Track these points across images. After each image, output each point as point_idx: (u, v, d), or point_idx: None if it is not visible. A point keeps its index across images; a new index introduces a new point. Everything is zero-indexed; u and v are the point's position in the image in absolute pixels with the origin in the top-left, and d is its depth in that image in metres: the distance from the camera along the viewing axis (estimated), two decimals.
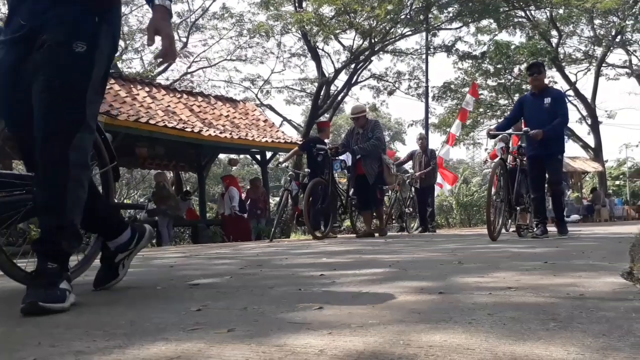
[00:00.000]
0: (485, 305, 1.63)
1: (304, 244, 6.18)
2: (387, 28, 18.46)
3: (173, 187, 13.16)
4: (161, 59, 2.02)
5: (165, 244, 10.44)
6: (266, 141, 12.65)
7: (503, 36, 21.92)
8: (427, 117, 18.70)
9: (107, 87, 10.46)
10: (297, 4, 19.25)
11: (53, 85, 1.82)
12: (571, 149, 27.65)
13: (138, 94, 11.43)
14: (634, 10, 21.36)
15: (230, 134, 12.01)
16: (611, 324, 1.33)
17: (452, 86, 22.37)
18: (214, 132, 11.58)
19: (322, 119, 18.18)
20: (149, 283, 2.52)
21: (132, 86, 11.68)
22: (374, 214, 8.09)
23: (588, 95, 24.14)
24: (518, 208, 6.16)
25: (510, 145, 6.35)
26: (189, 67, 23.65)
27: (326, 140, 8.85)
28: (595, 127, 24.24)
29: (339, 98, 21.17)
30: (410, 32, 19.68)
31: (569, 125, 18.71)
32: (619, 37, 23.14)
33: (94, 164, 2.32)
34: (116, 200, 9.75)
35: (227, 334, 1.32)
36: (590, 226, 12.60)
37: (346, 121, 30.84)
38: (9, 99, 1.94)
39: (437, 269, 2.75)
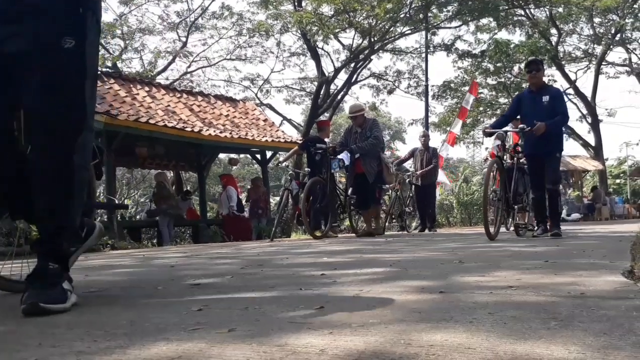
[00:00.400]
0: (486, 304, 1.63)
1: (305, 244, 6.18)
2: (387, 27, 18.43)
3: (173, 187, 13.14)
4: None
5: (166, 243, 10.44)
6: (266, 140, 12.64)
7: (503, 35, 21.89)
8: (427, 116, 18.68)
9: (107, 87, 10.58)
10: (296, 3, 19.23)
11: (48, 88, 1.76)
12: (571, 147, 27.74)
13: (138, 94, 11.41)
14: (633, 8, 21.37)
15: (230, 133, 12.00)
16: (612, 323, 1.33)
17: (452, 85, 22.35)
18: (214, 131, 11.57)
19: (322, 118, 18.14)
20: (150, 283, 2.52)
21: (131, 86, 11.67)
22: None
23: (588, 94, 24.19)
24: (516, 207, 6.07)
25: (511, 141, 6.30)
26: (189, 66, 23.64)
27: (326, 140, 8.83)
28: (595, 125, 24.24)
29: (339, 97, 21.15)
30: (409, 31, 19.65)
31: (569, 123, 18.67)
32: (618, 35, 23.16)
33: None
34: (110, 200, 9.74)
35: (228, 334, 1.32)
36: (590, 225, 12.60)
37: (346, 120, 30.74)
38: None
39: (438, 268, 2.75)
